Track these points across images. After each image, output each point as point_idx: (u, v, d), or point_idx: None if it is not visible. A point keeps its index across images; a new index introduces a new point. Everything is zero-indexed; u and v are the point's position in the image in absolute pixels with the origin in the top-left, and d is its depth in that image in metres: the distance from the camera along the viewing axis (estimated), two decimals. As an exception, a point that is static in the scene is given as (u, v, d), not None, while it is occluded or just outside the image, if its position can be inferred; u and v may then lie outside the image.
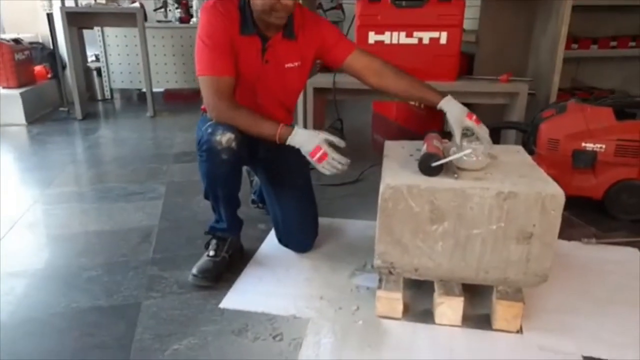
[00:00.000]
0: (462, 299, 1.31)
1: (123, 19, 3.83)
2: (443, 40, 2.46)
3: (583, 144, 1.98)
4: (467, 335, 1.29)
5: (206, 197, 1.57)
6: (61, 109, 4.02)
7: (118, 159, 2.86)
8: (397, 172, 1.38)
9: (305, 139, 1.43)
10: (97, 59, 4.65)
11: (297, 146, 1.44)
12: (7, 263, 1.67)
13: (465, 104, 1.54)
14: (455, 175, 1.33)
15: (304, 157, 1.49)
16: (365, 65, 1.63)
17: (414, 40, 2.49)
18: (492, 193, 1.26)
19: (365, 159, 2.53)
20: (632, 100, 1.98)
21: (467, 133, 1.54)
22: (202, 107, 1.67)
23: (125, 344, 1.25)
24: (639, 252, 1.71)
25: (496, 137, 2.48)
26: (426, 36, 2.47)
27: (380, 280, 1.39)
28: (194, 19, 4.77)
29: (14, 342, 1.27)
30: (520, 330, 1.30)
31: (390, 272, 1.40)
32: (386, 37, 2.52)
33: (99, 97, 4.65)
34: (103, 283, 1.54)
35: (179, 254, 1.73)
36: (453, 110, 1.49)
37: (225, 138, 1.40)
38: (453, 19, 2.44)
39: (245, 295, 1.47)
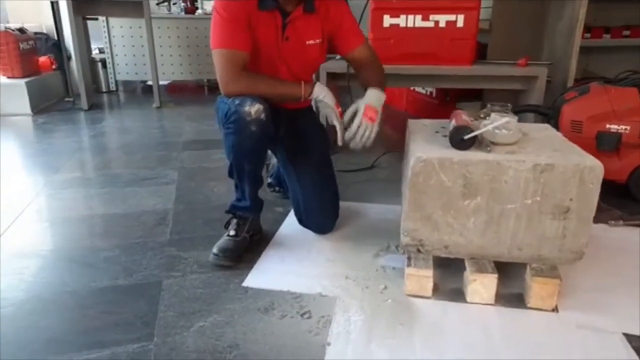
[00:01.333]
0: (495, 276, 1.26)
1: (129, 9, 3.78)
2: (460, 24, 2.42)
3: (607, 126, 1.94)
4: (501, 314, 1.25)
5: (230, 174, 1.52)
6: (67, 99, 3.97)
7: (125, 147, 2.82)
8: (426, 146, 1.34)
9: (327, 92, 1.45)
10: (101, 52, 4.60)
11: (321, 97, 1.44)
12: (19, 245, 1.62)
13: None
14: (488, 149, 1.28)
15: (324, 134, 1.48)
16: (362, 60, 1.63)
17: (430, 24, 2.44)
18: (528, 165, 1.22)
19: (377, 147, 2.49)
20: (658, 79, 1.93)
21: (496, 108, 1.50)
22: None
23: (147, 321, 1.21)
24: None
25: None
26: (442, 19, 2.43)
27: (408, 259, 1.35)
28: (199, 11, 4.72)
29: (33, 319, 1.22)
30: (555, 309, 1.26)
31: (419, 250, 1.35)
32: (401, 20, 2.47)
33: (104, 89, 4.60)
34: (121, 263, 1.49)
35: (196, 235, 1.69)
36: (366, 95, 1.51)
37: (254, 109, 1.36)
38: (470, 2, 2.39)
39: (268, 274, 1.43)
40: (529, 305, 1.27)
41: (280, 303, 1.29)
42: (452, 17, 2.42)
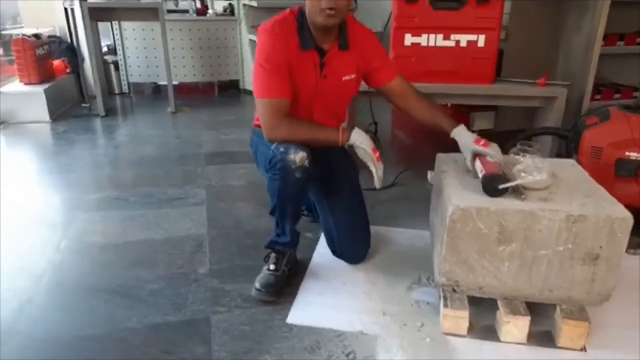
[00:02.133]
0: (528, 318, 1.35)
1: (144, 13, 3.80)
2: (481, 43, 2.46)
3: (627, 153, 2.00)
4: (533, 353, 1.34)
5: (272, 213, 1.59)
6: (83, 105, 4.01)
7: (149, 160, 2.87)
8: (462, 192, 1.40)
9: (364, 138, 1.51)
10: (109, 50, 4.61)
11: (358, 143, 1.50)
12: (66, 277, 1.70)
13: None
14: (523, 197, 1.35)
15: (355, 167, 1.55)
16: (399, 92, 1.68)
17: (451, 43, 2.49)
18: (561, 216, 1.29)
19: (393, 160, 2.56)
20: (678, 109, 1.99)
21: (526, 148, 1.56)
22: (255, 122, 1.69)
23: (203, 362, 1.29)
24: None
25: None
26: (464, 39, 2.47)
27: (444, 298, 1.43)
28: (210, 11, 4.71)
29: (93, 357, 1.31)
30: (584, 349, 1.34)
31: (454, 290, 1.43)
32: (423, 40, 2.51)
33: (116, 91, 4.63)
34: (168, 296, 1.57)
35: (235, 264, 1.77)
36: (463, 137, 1.53)
37: (298, 157, 1.43)
38: (491, 22, 2.43)
39: (308, 309, 1.51)
40: (558, 345, 1.35)
41: (325, 342, 1.37)
42: (473, 37, 2.46)
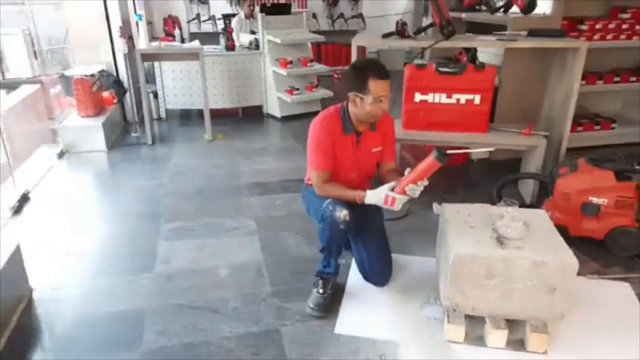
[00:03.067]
0: (506, 331, 1.92)
1: (186, 56, 4.37)
2: (477, 101, 3.03)
3: (590, 198, 2.57)
4: (510, 355, 1.91)
5: (321, 251, 2.17)
6: (133, 134, 4.59)
7: (202, 192, 3.44)
8: (462, 241, 1.97)
9: (375, 197, 2.05)
10: (147, 80, 5.18)
11: (372, 202, 2.05)
12: (168, 296, 2.27)
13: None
14: (503, 246, 1.92)
15: (380, 208, 2.13)
16: (387, 169, 2.28)
17: (452, 100, 3.06)
18: (530, 261, 1.86)
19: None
20: (629, 167, 2.55)
21: (507, 202, 2.13)
22: (307, 182, 2.28)
23: (282, 361, 1.88)
24: (630, 286, 2.32)
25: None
26: (463, 97, 3.04)
27: (448, 316, 2.00)
28: (237, 44, 5.26)
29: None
30: (545, 352, 1.92)
31: (454, 310, 2.01)
32: (429, 97, 3.08)
33: (155, 117, 5.20)
34: (245, 313, 2.15)
35: (289, 287, 2.34)
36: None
37: (342, 214, 2.01)
38: (486, 84, 3.00)
39: (350, 322, 2.09)
40: (528, 349, 1.93)
41: (364, 348, 1.95)
42: (470, 96, 3.03)
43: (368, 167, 2.27)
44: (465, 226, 2.09)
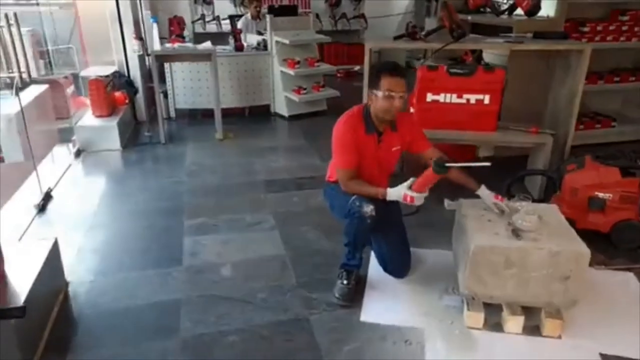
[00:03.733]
0: (523, 317, 2.06)
1: (200, 57, 4.47)
2: (486, 101, 3.16)
3: (596, 193, 2.71)
4: (526, 340, 2.05)
5: (347, 244, 2.29)
6: (146, 134, 4.69)
7: (220, 189, 3.55)
8: (480, 233, 2.10)
9: (395, 193, 2.17)
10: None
11: (391, 198, 2.18)
12: (201, 289, 2.38)
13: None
14: (519, 238, 2.05)
15: (399, 204, 2.28)
16: (430, 157, 2.33)
17: (463, 100, 3.19)
18: (545, 251, 2.00)
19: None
20: (633, 164, 2.69)
21: (521, 197, 2.26)
22: (329, 179, 2.40)
23: (314, 346, 2.00)
24: (634, 276, 2.46)
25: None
26: (473, 98, 3.17)
27: (467, 303, 2.13)
28: (245, 44, 5.36)
29: (237, 349, 2.00)
30: (560, 336, 2.05)
31: (473, 298, 2.14)
32: (441, 97, 3.21)
33: (165, 116, 5.29)
34: (275, 302, 2.27)
35: (313, 278, 2.46)
36: (485, 194, 2.25)
37: (369, 209, 2.14)
38: (495, 85, 3.13)
39: (374, 311, 2.22)
40: (543, 334, 2.06)
41: (390, 334, 2.08)
42: (480, 97, 3.16)
43: (388, 164, 2.39)
44: (482, 220, 2.22)
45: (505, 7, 4.07)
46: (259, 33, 5.63)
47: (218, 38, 6.05)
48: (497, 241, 2.05)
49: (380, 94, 2.19)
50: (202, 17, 7.14)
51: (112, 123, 4.31)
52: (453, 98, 3.19)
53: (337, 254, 2.62)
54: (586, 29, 4.02)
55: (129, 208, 3.30)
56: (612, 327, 2.12)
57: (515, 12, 3.95)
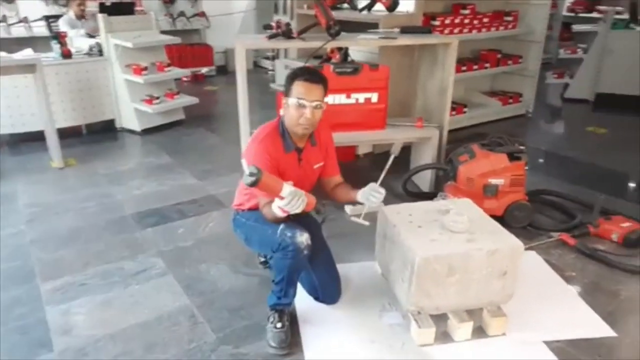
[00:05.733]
0: (471, 322, 1.98)
1: (22, 68, 3.54)
2: (374, 99, 3.08)
3: (490, 180, 2.82)
4: (477, 343, 1.98)
5: (279, 282, 1.93)
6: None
7: (79, 233, 2.82)
8: (418, 243, 1.95)
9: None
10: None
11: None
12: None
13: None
14: (455, 241, 1.96)
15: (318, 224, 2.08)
16: (333, 185, 2.18)
17: (351, 100, 3.05)
18: (484, 252, 1.94)
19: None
20: (517, 148, 2.86)
21: (442, 196, 2.19)
22: (237, 206, 2.03)
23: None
24: (536, 254, 2.61)
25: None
26: (361, 97, 3.06)
27: (415, 320, 1.97)
28: (72, 50, 4.48)
29: None
30: (504, 334, 2.03)
31: (419, 312, 2.00)
32: (329, 99, 2.94)
33: (-25, 146, 4.14)
34: (198, 373, 1.82)
35: (235, 328, 2.05)
36: (363, 192, 2.02)
37: (304, 238, 1.82)
38: (381, 83, 3.06)
39: (318, 350, 1.92)
40: (489, 334, 2.02)
41: (345, 376, 1.81)
42: (368, 95, 3.06)
43: (311, 184, 2.11)
44: (413, 227, 2.09)
45: (364, 3, 4.06)
46: (90, 36, 4.77)
47: (32, 43, 4.98)
48: (439, 249, 1.92)
49: (291, 102, 1.90)
50: (4, 18, 5.84)
51: None
52: (342, 99, 3.03)
53: (254, 289, 2.29)
54: (437, 23, 4.25)
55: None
56: (544, 311, 2.17)
57: (375, 8, 3.96)
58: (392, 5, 3.70)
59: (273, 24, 3.27)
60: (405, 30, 3.44)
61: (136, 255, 2.59)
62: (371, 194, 1.94)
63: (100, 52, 4.53)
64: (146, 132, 4.65)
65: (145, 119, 4.64)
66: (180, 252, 2.63)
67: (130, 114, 4.64)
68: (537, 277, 2.43)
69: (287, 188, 1.71)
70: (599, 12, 7.61)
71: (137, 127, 4.63)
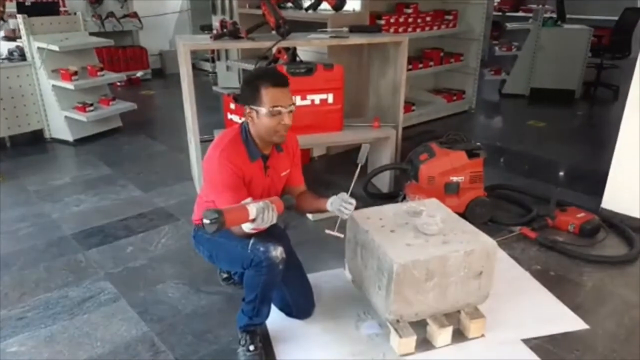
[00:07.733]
0: (451, 327, 1.93)
1: None
2: (330, 100, 2.99)
3: (451, 178, 2.81)
4: (457, 347, 1.93)
5: (251, 301, 1.78)
6: None
7: (13, 260, 2.49)
8: (394, 249, 1.88)
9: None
10: None
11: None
12: None
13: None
14: (430, 243, 1.91)
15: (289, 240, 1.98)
16: (297, 194, 2.02)
17: (307, 102, 2.95)
18: (461, 253, 1.89)
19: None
20: (475, 145, 2.88)
21: (416, 200, 2.14)
22: (197, 221, 1.86)
23: None
24: (500, 249, 2.63)
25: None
26: (317, 98, 2.96)
27: (395, 330, 1.89)
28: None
29: None
30: (483, 335, 2.00)
31: (398, 321, 1.92)
32: (284, 101, 2.87)
33: None
34: (167, 411, 1.63)
35: (203, 354, 1.88)
36: (333, 202, 1.89)
37: (278, 252, 1.69)
38: (336, 83, 2.98)
39: (297, 373, 1.79)
40: (469, 337, 1.98)
41: (329, 396, 1.69)
42: (324, 96, 2.97)
43: (277, 190, 1.97)
44: (385, 232, 2.01)
45: (309, 2, 3.96)
46: (9, 39, 4.31)
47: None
48: (416, 254, 1.86)
49: (264, 110, 1.75)
50: None
51: None
52: (298, 100, 2.89)
53: (219, 308, 2.13)
54: (382, 22, 4.23)
55: None
56: (518, 308, 2.17)
57: (320, 7, 3.87)
58: (339, 4, 3.64)
59: (216, 23, 3.10)
60: (355, 29, 3.37)
61: (81, 280, 2.33)
62: (342, 205, 1.83)
63: (23, 57, 4.11)
64: (80, 142, 4.28)
65: (77, 128, 4.27)
66: (131, 274, 2.39)
67: (60, 123, 4.25)
68: (504, 273, 2.43)
69: (253, 208, 1.56)
70: (525, 11, 8.07)
71: (70, 137, 4.25)
